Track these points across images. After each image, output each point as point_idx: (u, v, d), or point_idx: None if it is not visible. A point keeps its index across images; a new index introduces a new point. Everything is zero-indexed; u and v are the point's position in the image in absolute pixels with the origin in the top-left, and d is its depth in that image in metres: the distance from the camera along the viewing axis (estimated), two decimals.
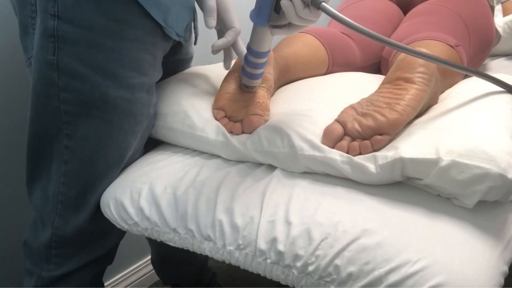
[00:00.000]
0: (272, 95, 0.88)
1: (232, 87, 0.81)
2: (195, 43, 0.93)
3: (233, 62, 0.87)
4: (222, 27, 0.84)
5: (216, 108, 0.80)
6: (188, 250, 0.72)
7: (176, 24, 0.78)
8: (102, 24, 0.70)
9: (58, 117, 0.74)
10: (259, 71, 0.77)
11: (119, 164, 0.81)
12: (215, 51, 0.82)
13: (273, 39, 0.75)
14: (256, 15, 0.69)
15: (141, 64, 0.76)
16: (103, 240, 0.85)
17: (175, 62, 0.94)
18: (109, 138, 0.77)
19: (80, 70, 0.71)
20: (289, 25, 0.68)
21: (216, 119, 0.79)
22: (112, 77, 0.73)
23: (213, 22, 0.79)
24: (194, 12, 0.83)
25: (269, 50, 0.76)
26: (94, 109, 0.74)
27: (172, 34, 0.78)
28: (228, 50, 0.85)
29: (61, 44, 0.70)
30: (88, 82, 0.72)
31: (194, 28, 0.88)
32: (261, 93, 0.81)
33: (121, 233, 0.87)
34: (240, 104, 0.79)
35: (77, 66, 0.71)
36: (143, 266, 1.41)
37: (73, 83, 0.72)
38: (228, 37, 0.81)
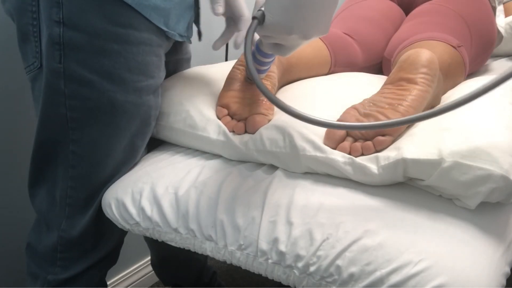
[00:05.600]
0: (275, 94, 0.88)
1: (237, 84, 0.80)
2: (199, 39, 0.93)
3: (234, 61, 0.87)
4: (230, 15, 0.83)
5: (219, 105, 0.80)
6: (187, 250, 0.72)
7: (177, 26, 0.78)
8: (107, 29, 0.69)
9: (64, 124, 0.73)
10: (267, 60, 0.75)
11: (129, 166, 0.81)
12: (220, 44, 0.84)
13: None
14: None
15: (147, 67, 0.75)
16: (106, 239, 0.84)
17: (176, 62, 0.94)
18: (117, 142, 0.76)
19: (88, 77, 0.70)
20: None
21: (219, 117, 0.79)
22: (119, 82, 0.72)
23: (220, 9, 0.77)
24: (196, 8, 0.82)
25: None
26: (102, 115, 0.73)
27: (175, 36, 0.78)
28: (227, 33, 0.85)
29: (67, 51, 0.69)
30: (96, 88, 0.71)
31: (197, 25, 0.87)
32: None
33: (123, 231, 0.87)
34: (244, 102, 0.78)
35: (84, 72, 0.70)
36: (144, 266, 1.42)
37: (80, 90, 0.71)
38: (241, 28, 0.83)
